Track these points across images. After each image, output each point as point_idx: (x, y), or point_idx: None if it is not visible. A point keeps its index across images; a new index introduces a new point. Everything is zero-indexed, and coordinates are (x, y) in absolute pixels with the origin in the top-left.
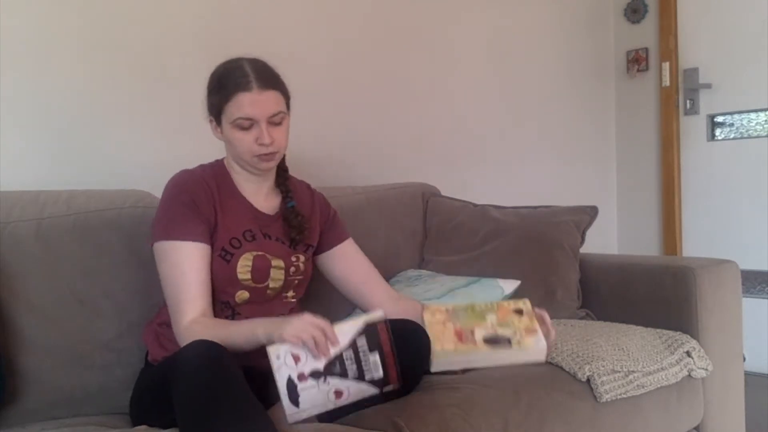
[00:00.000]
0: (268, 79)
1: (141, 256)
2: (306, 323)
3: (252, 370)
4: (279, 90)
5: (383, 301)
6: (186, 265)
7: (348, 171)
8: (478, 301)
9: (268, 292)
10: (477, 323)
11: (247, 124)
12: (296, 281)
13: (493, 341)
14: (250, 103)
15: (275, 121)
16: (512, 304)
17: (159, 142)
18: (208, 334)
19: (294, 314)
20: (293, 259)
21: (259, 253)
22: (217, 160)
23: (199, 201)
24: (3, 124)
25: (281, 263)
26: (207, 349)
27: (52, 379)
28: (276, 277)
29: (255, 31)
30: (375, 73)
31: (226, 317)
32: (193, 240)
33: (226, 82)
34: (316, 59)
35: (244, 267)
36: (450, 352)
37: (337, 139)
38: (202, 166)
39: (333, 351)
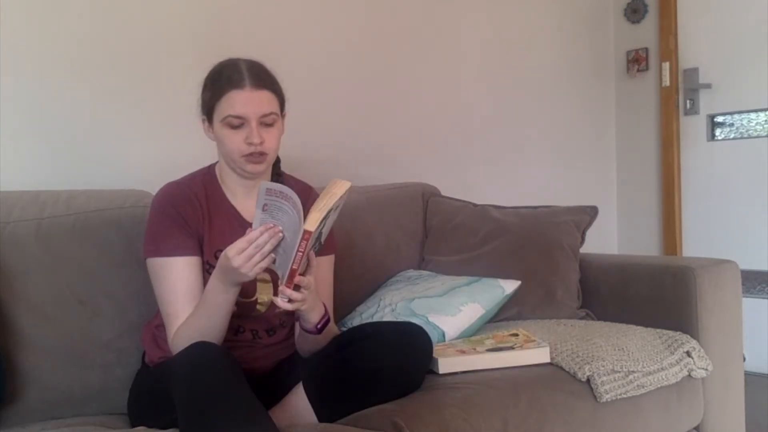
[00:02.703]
0: (263, 78)
1: (141, 256)
2: (242, 258)
3: (252, 372)
4: (273, 91)
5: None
6: (174, 280)
7: (348, 171)
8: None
9: (258, 307)
10: (477, 345)
11: (237, 123)
12: None
13: (496, 350)
14: (242, 101)
15: (266, 122)
16: (506, 332)
17: (159, 142)
18: (190, 331)
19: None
20: None
21: None
22: (209, 165)
23: (186, 214)
24: (3, 124)
25: (267, 276)
26: (208, 350)
27: (52, 379)
28: (264, 291)
29: (253, 30)
30: (375, 74)
31: None
32: (181, 254)
33: (219, 79)
34: (316, 60)
35: None
36: (456, 360)
37: (337, 140)
38: (191, 175)
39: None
